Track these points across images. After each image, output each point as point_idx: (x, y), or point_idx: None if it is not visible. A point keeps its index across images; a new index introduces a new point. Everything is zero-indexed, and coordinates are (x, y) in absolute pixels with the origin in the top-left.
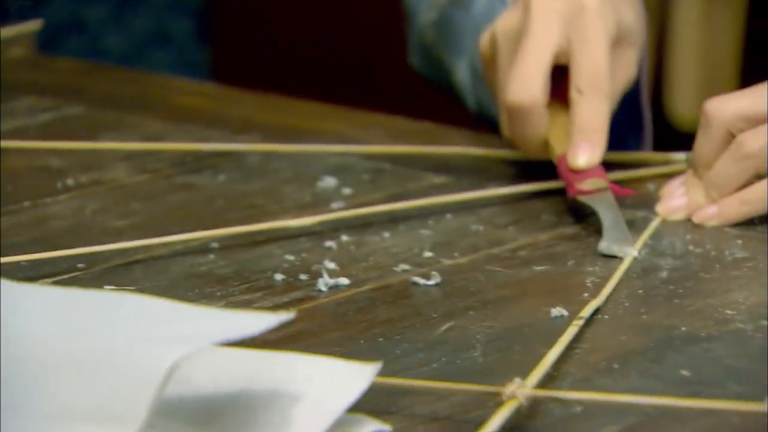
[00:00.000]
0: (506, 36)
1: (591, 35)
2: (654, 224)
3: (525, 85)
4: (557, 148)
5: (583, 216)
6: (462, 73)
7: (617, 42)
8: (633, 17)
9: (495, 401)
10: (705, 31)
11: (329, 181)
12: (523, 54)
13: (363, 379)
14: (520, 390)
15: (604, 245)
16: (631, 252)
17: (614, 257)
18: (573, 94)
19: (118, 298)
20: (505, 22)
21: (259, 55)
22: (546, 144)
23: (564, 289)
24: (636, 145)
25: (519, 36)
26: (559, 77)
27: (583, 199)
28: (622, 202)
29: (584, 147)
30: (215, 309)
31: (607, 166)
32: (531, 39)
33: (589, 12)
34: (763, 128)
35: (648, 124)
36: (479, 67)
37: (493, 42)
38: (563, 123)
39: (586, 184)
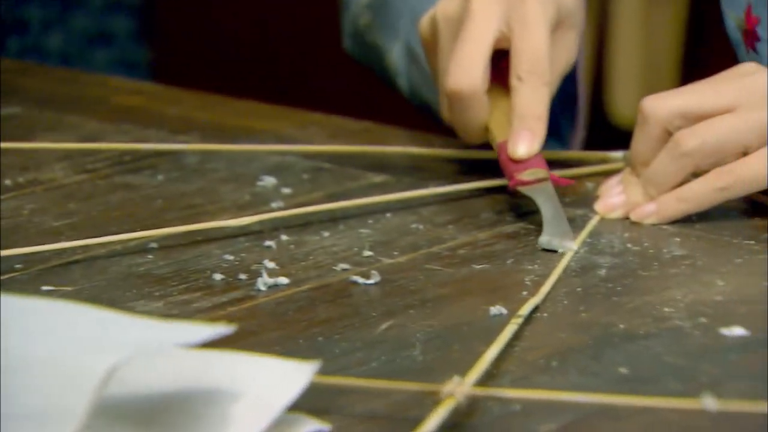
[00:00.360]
0: (447, 21)
1: (531, 21)
2: (592, 222)
3: (465, 71)
4: (498, 135)
5: (522, 214)
6: (396, 56)
7: (557, 25)
8: (573, 1)
9: (433, 400)
10: (645, 29)
11: (268, 181)
12: (464, 39)
13: (302, 378)
14: (459, 388)
15: (544, 239)
16: (571, 246)
17: (554, 252)
18: (513, 81)
19: (60, 307)
20: (445, 7)
21: (198, 54)
22: (487, 130)
23: (503, 287)
24: (569, 130)
25: (459, 21)
26: (501, 62)
27: (523, 189)
28: (561, 197)
29: (524, 136)
30: (155, 320)
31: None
32: (471, 24)
33: None
34: (700, 126)
35: (583, 108)
36: (414, 50)
37: (434, 27)
38: (504, 108)
39: (526, 174)
